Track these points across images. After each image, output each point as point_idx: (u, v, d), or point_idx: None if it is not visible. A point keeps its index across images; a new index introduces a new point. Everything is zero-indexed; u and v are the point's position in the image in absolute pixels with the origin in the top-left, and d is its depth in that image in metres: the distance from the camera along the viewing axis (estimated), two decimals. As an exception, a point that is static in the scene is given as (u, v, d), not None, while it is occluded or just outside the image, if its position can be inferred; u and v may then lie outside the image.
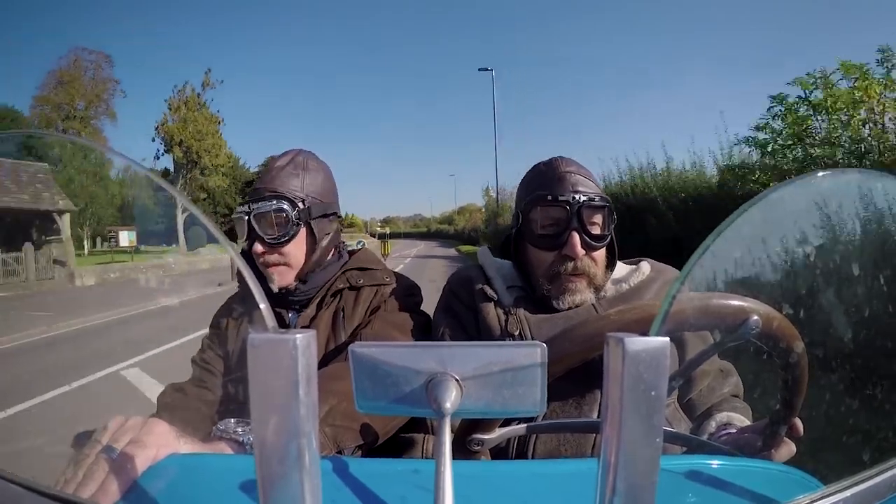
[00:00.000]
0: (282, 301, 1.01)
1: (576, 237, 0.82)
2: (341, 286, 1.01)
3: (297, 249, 0.99)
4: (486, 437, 0.59)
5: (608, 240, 0.86)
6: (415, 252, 28.53)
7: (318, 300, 1.01)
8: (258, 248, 0.96)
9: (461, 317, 0.93)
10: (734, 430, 0.73)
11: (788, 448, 0.63)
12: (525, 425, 0.64)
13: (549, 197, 0.84)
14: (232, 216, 1.01)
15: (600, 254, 0.87)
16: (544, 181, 0.87)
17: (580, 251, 0.82)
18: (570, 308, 0.86)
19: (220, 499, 0.43)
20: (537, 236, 0.86)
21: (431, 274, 12.39)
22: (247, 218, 0.96)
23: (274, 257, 0.97)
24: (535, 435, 0.76)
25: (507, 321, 0.86)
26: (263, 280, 0.99)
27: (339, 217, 1.08)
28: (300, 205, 0.97)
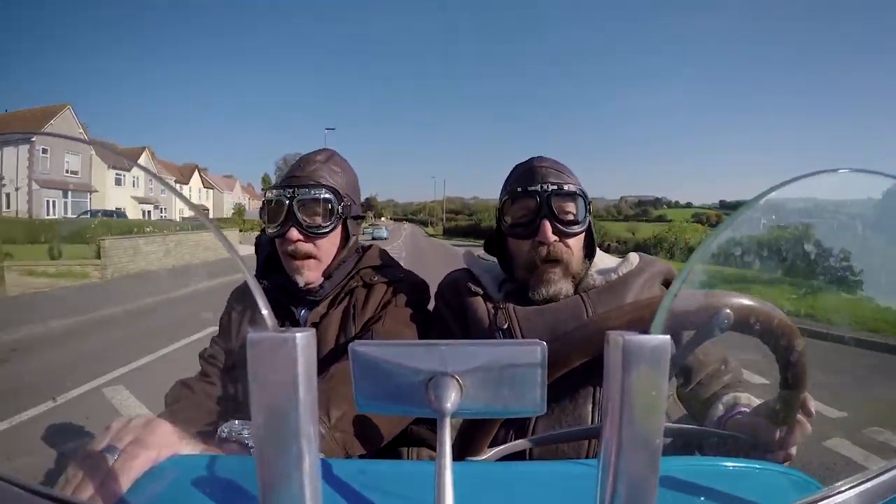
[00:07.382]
0: (295, 297, 0.99)
1: (546, 224, 0.85)
2: (355, 285, 0.99)
3: (330, 244, 0.97)
4: (476, 459, 0.57)
5: (583, 227, 0.89)
6: (411, 229, 70.25)
7: (330, 297, 0.98)
8: (294, 234, 0.91)
9: (448, 321, 0.94)
10: (745, 410, 0.69)
11: (803, 427, 0.58)
12: (519, 441, 0.62)
13: (520, 189, 0.88)
14: (265, 196, 0.95)
15: (576, 242, 0.89)
16: (518, 177, 0.92)
17: (551, 237, 0.85)
18: (546, 300, 0.87)
19: (220, 500, 0.43)
20: (510, 226, 0.90)
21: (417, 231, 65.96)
22: (287, 202, 0.91)
23: (307, 247, 0.93)
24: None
25: (496, 315, 0.87)
26: (285, 275, 0.96)
27: (362, 219, 1.07)
28: (344, 200, 0.96)
